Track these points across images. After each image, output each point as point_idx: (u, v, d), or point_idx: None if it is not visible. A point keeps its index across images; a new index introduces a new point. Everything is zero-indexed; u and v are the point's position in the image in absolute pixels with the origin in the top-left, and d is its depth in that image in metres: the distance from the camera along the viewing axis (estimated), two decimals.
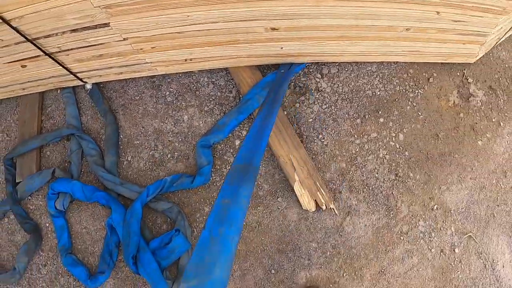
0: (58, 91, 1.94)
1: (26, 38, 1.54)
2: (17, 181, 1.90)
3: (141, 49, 1.63)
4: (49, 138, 1.86)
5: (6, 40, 1.57)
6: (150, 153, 1.75)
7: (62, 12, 1.41)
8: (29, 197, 1.88)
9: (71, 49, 1.64)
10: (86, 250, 1.75)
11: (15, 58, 1.68)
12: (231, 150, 1.70)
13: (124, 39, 1.57)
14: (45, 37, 1.56)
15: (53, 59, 1.66)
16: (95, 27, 1.51)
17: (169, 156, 1.73)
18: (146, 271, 1.62)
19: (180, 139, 1.74)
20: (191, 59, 1.70)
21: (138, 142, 1.78)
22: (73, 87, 1.93)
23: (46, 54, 1.64)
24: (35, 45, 1.58)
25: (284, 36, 1.55)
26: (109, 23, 1.48)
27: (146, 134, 1.78)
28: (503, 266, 1.59)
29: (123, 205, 1.72)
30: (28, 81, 1.86)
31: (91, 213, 1.78)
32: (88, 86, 1.86)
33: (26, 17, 1.42)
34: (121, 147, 1.77)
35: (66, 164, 1.85)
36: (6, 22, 1.44)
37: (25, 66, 1.73)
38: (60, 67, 1.72)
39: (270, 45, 1.64)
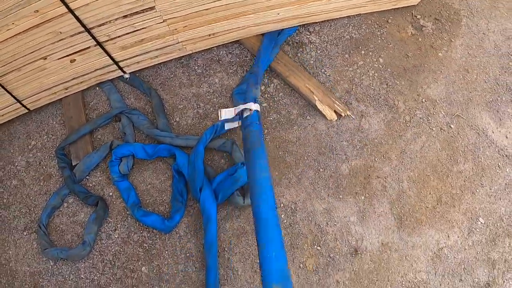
0: (97, 88, 2.53)
1: (84, 27, 2.15)
2: (73, 164, 2.32)
3: (176, 29, 2.34)
4: (99, 122, 2.38)
5: (64, 32, 2.17)
6: (194, 111, 2.36)
7: None
8: (87, 177, 2.31)
9: (119, 36, 2.30)
10: (155, 202, 2.21)
11: (67, 52, 2.29)
12: (260, 94, 2.36)
13: (164, 21, 2.26)
14: (99, 26, 2.22)
15: (102, 48, 2.30)
16: (143, 11, 2.19)
17: (211, 109, 2.35)
18: (205, 206, 2.07)
19: (217, 95, 2.38)
20: (213, 34, 2.43)
21: (181, 106, 2.39)
22: (111, 80, 2.49)
23: (97, 43, 2.27)
24: (90, 34, 2.19)
25: (280, 2, 2.32)
26: (154, 6, 2.16)
27: (187, 99, 2.40)
28: (493, 132, 2.29)
29: (184, 151, 2.22)
30: (73, 78, 2.44)
31: (153, 171, 2.27)
32: (127, 76, 2.48)
33: (91, 4, 2.04)
34: (168, 113, 2.39)
35: (120, 140, 2.35)
36: (71, 11, 2.05)
37: (74, 60, 2.33)
38: (106, 57, 2.36)
39: (269, 13, 2.42)
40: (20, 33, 2.12)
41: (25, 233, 2.33)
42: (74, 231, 2.28)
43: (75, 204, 2.33)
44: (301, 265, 2.07)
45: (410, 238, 2.11)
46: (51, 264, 2.24)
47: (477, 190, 2.19)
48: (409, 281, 2.04)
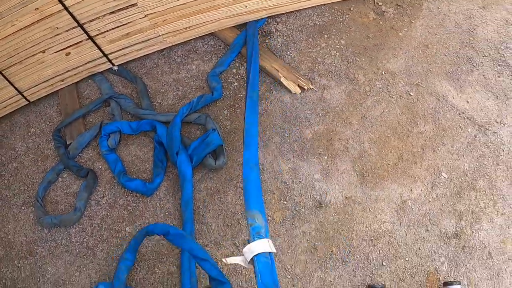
0: (89, 80, 2.96)
1: (77, 22, 2.58)
2: (68, 143, 2.69)
3: (156, 23, 2.76)
4: (91, 106, 2.78)
5: (60, 27, 2.62)
6: (174, 93, 2.74)
7: None
8: (80, 154, 2.68)
9: (107, 30, 2.73)
10: (139, 170, 2.56)
11: (63, 46, 2.73)
12: (231, 76, 2.73)
13: (145, 16, 2.69)
14: (90, 21, 2.66)
15: (93, 41, 2.72)
16: (127, 7, 2.63)
17: (188, 91, 2.73)
18: (182, 168, 2.39)
19: (194, 79, 2.77)
20: (189, 27, 2.85)
21: (163, 90, 2.78)
22: (102, 72, 2.89)
23: (89, 37, 2.70)
24: (83, 29, 2.62)
25: None
26: (136, 3, 2.59)
27: (168, 84, 2.80)
28: (453, 98, 2.58)
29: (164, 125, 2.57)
30: (68, 71, 2.86)
31: (137, 144, 2.64)
32: (115, 68, 2.89)
33: (82, 2, 2.49)
34: (151, 97, 2.82)
35: (109, 121, 2.72)
36: (66, 8, 2.49)
37: (69, 53, 2.76)
38: (97, 50, 2.78)
39: (238, 6, 2.82)
40: (22, 28, 2.56)
41: (23, 208, 2.65)
42: (67, 201, 2.60)
43: (69, 178, 2.67)
44: (269, 218, 2.32)
45: (372, 192, 2.34)
46: (45, 232, 2.54)
47: (439, 148, 2.43)
48: (374, 231, 2.25)
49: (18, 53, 2.69)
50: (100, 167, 2.66)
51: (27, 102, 2.97)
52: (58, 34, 2.65)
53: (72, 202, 2.61)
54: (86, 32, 2.69)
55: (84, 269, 2.42)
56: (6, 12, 2.47)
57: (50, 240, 2.54)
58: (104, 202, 2.56)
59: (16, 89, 2.85)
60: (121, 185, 2.53)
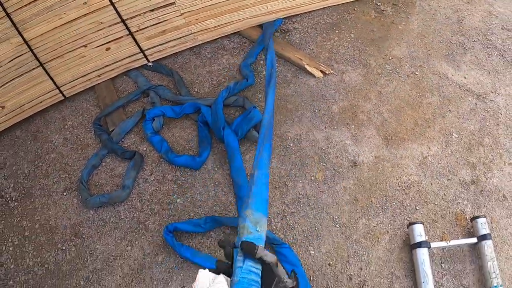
0: (124, 76, 3.32)
1: (121, 18, 2.99)
2: (110, 130, 2.99)
3: (190, 22, 3.22)
4: (131, 97, 3.14)
5: (104, 22, 3.02)
6: (209, 82, 3.19)
7: None
8: (122, 140, 2.99)
9: (146, 27, 3.16)
10: (184, 149, 2.94)
11: (105, 41, 3.13)
12: (260, 66, 3.27)
13: (181, 14, 3.14)
14: (132, 17, 3.09)
15: (133, 37, 3.13)
16: (166, 6, 3.07)
17: (222, 80, 3.19)
18: (229, 140, 2.79)
19: (226, 70, 3.25)
20: (218, 26, 3.32)
21: (198, 81, 3.21)
22: (137, 69, 3.27)
23: (129, 33, 3.11)
24: (125, 24, 3.03)
25: None
26: (174, 2, 3.05)
27: (202, 75, 3.25)
28: (452, 75, 3.17)
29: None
30: (106, 66, 3.22)
31: (180, 127, 3.03)
32: (150, 64, 3.27)
33: None
34: (187, 86, 3.23)
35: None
36: (112, 3, 2.91)
37: (109, 48, 3.15)
38: (135, 45, 3.19)
39: (261, 7, 3.35)
40: (69, 22, 2.95)
41: (65, 194, 2.90)
42: (113, 182, 2.87)
43: (113, 162, 2.96)
44: (312, 178, 2.72)
45: (397, 151, 2.81)
46: (91, 213, 2.80)
47: (447, 114, 2.97)
48: (404, 182, 2.70)
49: (61, 47, 3.04)
50: (145, 149, 2.97)
51: (63, 98, 3.26)
52: (102, 29, 3.04)
53: (118, 183, 2.87)
54: (127, 28, 3.08)
55: (136, 242, 2.67)
56: (56, 5, 2.86)
57: (97, 220, 2.77)
58: (152, 179, 2.85)
59: (55, 83, 3.16)
60: (169, 161, 2.85)
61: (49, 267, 2.66)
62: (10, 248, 2.78)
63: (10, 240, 2.81)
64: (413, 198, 2.66)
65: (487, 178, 2.72)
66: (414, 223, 2.46)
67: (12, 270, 2.69)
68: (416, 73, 3.22)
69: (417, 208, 2.63)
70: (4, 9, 2.79)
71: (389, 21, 3.55)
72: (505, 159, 2.79)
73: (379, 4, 3.65)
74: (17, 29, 2.88)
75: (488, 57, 3.26)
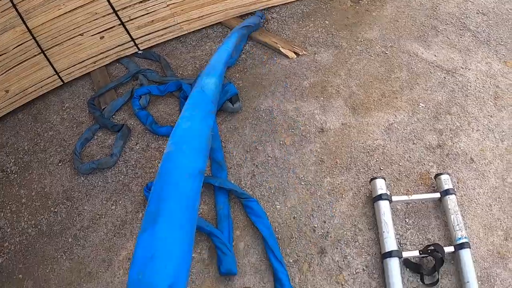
0: (117, 64, 3.73)
1: (113, 9, 3.45)
2: (102, 108, 3.40)
3: (176, 12, 3.65)
4: (122, 79, 3.56)
5: (99, 13, 3.46)
6: (193, 66, 3.60)
7: None
8: (113, 116, 3.39)
9: (136, 17, 3.58)
10: (167, 121, 3.31)
11: (99, 30, 3.56)
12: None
13: (167, 6, 3.57)
14: (123, 8, 3.53)
15: (124, 27, 3.57)
16: None
17: (205, 64, 3.57)
18: None
19: (209, 55, 3.66)
20: (201, 16, 3.74)
21: (183, 65, 3.63)
22: (128, 56, 3.70)
23: (121, 23, 3.55)
24: (117, 15, 3.48)
25: None
26: None
27: (186, 60, 3.66)
28: (422, 53, 3.47)
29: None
30: (101, 53, 3.64)
31: (165, 104, 3.43)
32: (140, 52, 3.71)
33: None
34: (173, 70, 3.61)
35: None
36: None
37: (103, 37, 3.58)
38: (126, 35, 3.62)
39: None
40: (67, 12, 3.39)
41: (59, 164, 3.27)
42: (103, 153, 3.25)
43: (104, 135, 3.34)
44: (281, 142, 3.03)
45: (363, 119, 3.10)
46: (82, 179, 3.15)
47: (414, 87, 3.25)
48: (368, 146, 2.97)
49: (60, 35, 3.48)
50: (132, 123, 3.35)
51: (62, 83, 3.69)
52: (96, 19, 3.48)
53: (107, 153, 3.24)
54: (119, 18, 3.52)
55: (120, 202, 3.00)
56: None
57: (87, 185, 3.12)
58: (137, 148, 3.21)
59: (54, 69, 3.59)
60: (153, 132, 3.21)
61: (42, 228, 2.98)
62: (8, 214, 3.11)
63: (8, 207, 3.15)
64: (377, 160, 2.92)
65: (454, 143, 2.95)
66: (376, 178, 2.71)
67: (8, 233, 3.01)
68: (386, 52, 3.53)
69: (381, 168, 2.88)
70: (11, 0, 3.28)
71: (363, 9, 3.90)
72: (473, 126, 3.01)
73: None
74: (22, 18, 3.34)
75: (461, 37, 3.55)
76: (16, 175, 3.32)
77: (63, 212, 3.04)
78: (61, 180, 3.19)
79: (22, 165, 3.37)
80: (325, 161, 2.93)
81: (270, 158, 2.99)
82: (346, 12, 3.88)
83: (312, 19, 3.84)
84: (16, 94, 3.61)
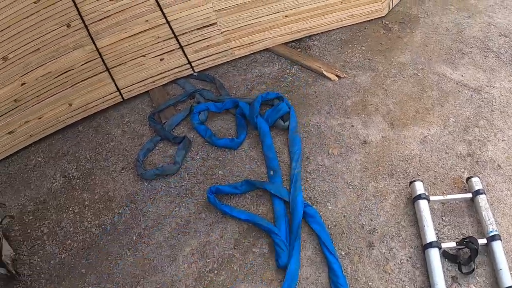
0: (173, 84, 4.48)
1: (174, 34, 4.24)
2: (163, 122, 4.12)
3: (229, 39, 4.44)
4: (180, 98, 4.29)
5: (161, 37, 4.24)
6: (245, 87, 4.35)
7: (197, 15, 4.23)
8: (173, 130, 4.11)
9: (194, 42, 4.35)
10: (224, 135, 4.00)
11: (160, 52, 4.31)
12: (286, 73, 4.48)
13: (222, 33, 4.37)
14: (183, 34, 4.30)
15: (183, 51, 4.34)
16: (210, 25, 4.31)
17: (256, 85, 4.34)
18: (261, 126, 3.90)
19: (258, 78, 4.41)
20: (251, 43, 4.52)
21: (236, 86, 4.38)
22: (184, 77, 4.47)
23: (180, 47, 4.32)
24: (177, 40, 4.27)
25: (291, 19, 4.51)
26: (216, 22, 4.30)
27: (238, 82, 4.42)
28: (451, 74, 4.25)
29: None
30: (160, 73, 4.39)
31: (221, 119, 4.14)
32: (195, 73, 4.47)
33: (180, 18, 4.19)
34: (227, 90, 4.34)
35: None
36: (168, 22, 4.17)
37: (163, 59, 4.34)
38: (184, 58, 4.38)
39: (285, 27, 4.57)
40: (133, 35, 4.15)
41: (122, 171, 3.93)
42: (165, 161, 3.92)
43: (165, 146, 4.03)
44: (329, 153, 3.74)
45: (401, 133, 3.82)
46: (145, 184, 3.77)
47: (445, 104, 3.99)
48: (407, 155, 3.67)
49: (125, 55, 4.21)
50: (192, 136, 4.04)
51: (122, 100, 4.41)
52: (158, 42, 4.24)
53: (169, 162, 3.92)
54: (178, 42, 4.28)
55: (183, 204, 3.60)
56: (123, 21, 4.07)
57: (150, 189, 3.74)
58: (198, 157, 3.90)
59: (116, 86, 4.32)
60: (212, 144, 3.90)
61: (106, 227, 3.53)
62: (71, 215, 3.65)
63: (71, 209, 3.70)
64: (415, 167, 3.61)
65: (482, 152, 3.64)
66: (415, 180, 3.39)
67: (71, 232, 3.54)
68: (418, 74, 4.30)
69: (419, 174, 3.56)
70: (84, 22, 4.00)
71: (395, 36, 4.70)
72: (499, 137, 3.71)
73: (387, 23, 4.83)
74: (91, 38, 4.07)
75: (485, 58, 4.33)
76: (78, 180, 3.93)
77: (127, 213, 3.62)
78: (125, 185, 3.81)
79: (84, 171, 3.98)
80: (369, 169, 3.63)
81: (320, 166, 3.68)
82: (380, 39, 4.68)
83: (350, 45, 4.62)
84: (79, 108, 4.28)
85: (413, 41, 4.61)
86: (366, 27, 4.80)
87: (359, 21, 4.82)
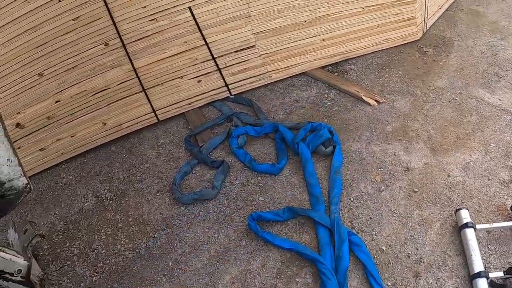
0: (209, 106, 4.67)
1: (212, 56, 4.44)
2: (200, 145, 4.29)
3: (266, 62, 4.63)
4: (217, 120, 4.46)
5: (199, 59, 4.43)
6: (283, 111, 4.53)
7: (236, 37, 4.43)
8: (210, 153, 4.28)
9: (231, 65, 4.54)
10: (264, 160, 4.16)
11: (197, 74, 4.50)
12: (325, 98, 4.65)
13: (260, 55, 4.56)
14: (221, 56, 4.50)
15: (220, 73, 4.53)
16: (248, 48, 4.51)
17: (294, 109, 4.52)
18: (303, 152, 4.07)
19: (296, 102, 4.58)
20: (288, 66, 4.72)
21: (274, 110, 4.56)
22: (220, 100, 4.65)
23: (218, 69, 4.51)
24: (215, 62, 4.46)
25: (328, 43, 4.72)
26: (255, 45, 4.50)
27: (276, 106, 4.61)
28: (488, 98, 4.44)
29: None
30: (196, 95, 4.57)
31: (260, 144, 4.30)
32: (231, 96, 4.65)
33: (219, 40, 4.39)
34: (265, 113, 4.52)
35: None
36: (207, 44, 4.37)
37: (200, 81, 4.53)
38: (221, 80, 4.57)
39: (323, 51, 4.78)
40: (171, 56, 4.33)
41: (158, 194, 4.06)
42: (202, 185, 4.07)
43: (202, 170, 4.19)
44: (372, 180, 3.90)
45: (443, 159, 3.99)
46: (182, 208, 3.88)
47: (485, 129, 4.17)
48: (450, 182, 3.83)
49: (162, 76, 4.38)
50: (231, 160, 4.20)
51: (156, 121, 4.58)
52: (196, 64, 4.42)
53: (207, 186, 4.07)
54: (216, 65, 4.47)
55: (223, 231, 3.71)
56: (162, 42, 4.25)
57: (188, 214, 3.85)
58: (237, 182, 4.06)
59: (152, 107, 4.49)
60: (252, 168, 4.06)
61: (140, 252, 3.61)
62: (103, 237, 3.75)
63: (103, 230, 3.81)
64: (459, 194, 3.76)
65: None
66: (460, 208, 3.54)
67: (103, 254, 3.62)
68: (456, 98, 4.49)
69: (463, 202, 3.71)
70: (122, 41, 4.18)
71: (431, 59, 4.90)
72: None
73: (422, 46, 5.04)
74: (129, 58, 4.24)
75: None
76: (111, 201, 4.05)
77: (163, 238, 3.72)
78: (160, 209, 3.94)
79: (118, 192, 4.12)
80: (412, 196, 3.79)
81: (363, 193, 3.84)
82: (416, 63, 4.88)
83: (387, 69, 4.82)
84: (113, 127, 4.43)
85: (449, 65, 4.81)
86: (402, 51, 5.00)
87: (395, 45, 5.02)
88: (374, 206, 3.74)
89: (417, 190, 3.81)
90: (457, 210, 3.53)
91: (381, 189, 3.85)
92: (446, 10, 5.75)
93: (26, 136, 4.29)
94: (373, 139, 4.21)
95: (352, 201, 3.79)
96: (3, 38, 3.94)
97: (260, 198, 3.90)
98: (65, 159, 4.44)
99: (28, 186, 2.51)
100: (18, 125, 4.23)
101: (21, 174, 2.44)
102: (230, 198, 3.93)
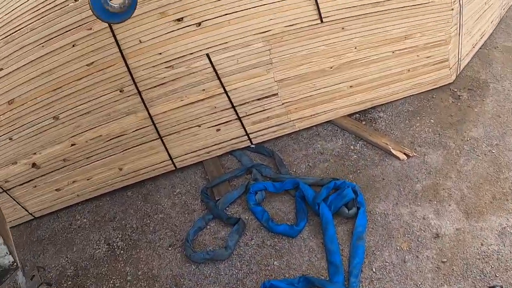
0: (229, 155, 4.48)
1: (232, 105, 4.24)
2: (216, 199, 4.11)
3: (289, 110, 4.41)
4: (236, 172, 4.27)
5: (218, 107, 4.24)
6: (306, 164, 4.30)
7: (257, 85, 4.23)
8: (227, 208, 4.09)
9: (252, 113, 4.34)
10: (282, 219, 3.94)
11: (216, 122, 4.32)
12: (350, 151, 4.43)
13: (282, 104, 4.35)
14: (241, 104, 4.29)
15: (240, 122, 4.33)
16: (271, 96, 4.30)
17: (317, 163, 4.28)
18: (324, 213, 3.83)
19: (320, 154, 4.35)
20: (313, 115, 4.49)
21: (296, 162, 4.36)
22: (241, 149, 4.46)
23: (238, 118, 4.31)
24: (235, 110, 4.27)
25: (356, 90, 4.46)
26: (277, 93, 4.29)
27: (299, 158, 4.38)
28: None
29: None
30: (215, 144, 4.39)
31: (280, 201, 4.08)
32: (252, 146, 4.46)
33: (239, 89, 4.19)
34: (286, 167, 4.28)
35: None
36: (226, 92, 4.18)
37: (219, 130, 4.34)
38: (241, 129, 4.37)
39: (351, 98, 4.52)
40: (188, 104, 4.17)
41: (169, 249, 3.92)
42: (216, 244, 3.90)
43: (217, 226, 4.01)
44: (398, 248, 3.62)
45: (477, 224, 3.67)
46: (193, 267, 3.73)
47: None
48: (483, 252, 3.51)
49: (179, 124, 4.24)
50: (247, 217, 4.01)
51: (174, 168, 4.44)
52: (214, 112, 4.25)
53: (220, 245, 3.88)
54: (236, 113, 4.28)
55: None
56: (179, 89, 4.10)
57: (198, 274, 3.68)
58: (252, 243, 3.85)
59: (169, 155, 4.35)
60: (269, 229, 3.85)
61: None
62: None
63: (111, 281, 3.73)
64: (493, 266, 3.43)
65: None
66: (495, 286, 3.25)
67: None
68: (493, 151, 4.15)
69: (497, 275, 3.38)
70: (137, 88, 4.05)
71: (465, 105, 4.57)
72: None
73: (455, 90, 4.71)
74: (145, 105, 4.11)
75: None
76: (122, 251, 3.96)
77: None
78: (170, 265, 3.79)
79: (130, 242, 4.02)
80: (441, 268, 3.48)
81: (387, 263, 3.56)
82: (449, 109, 4.56)
83: (418, 117, 4.52)
84: (129, 173, 4.36)
85: (485, 111, 4.48)
86: (434, 96, 4.70)
87: (426, 89, 4.72)
88: (398, 279, 3.47)
89: (446, 261, 3.51)
90: (490, 287, 3.23)
91: (407, 259, 3.56)
92: (480, 48, 5.43)
93: (42, 176, 4.32)
94: (401, 199, 3.93)
95: (374, 271, 3.53)
96: (22, 79, 3.96)
97: (275, 262, 3.69)
98: (81, 201, 4.42)
99: (15, 264, 2.49)
100: (34, 165, 4.25)
101: (6, 252, 2.43)
102: (244, 260, 3.74)
